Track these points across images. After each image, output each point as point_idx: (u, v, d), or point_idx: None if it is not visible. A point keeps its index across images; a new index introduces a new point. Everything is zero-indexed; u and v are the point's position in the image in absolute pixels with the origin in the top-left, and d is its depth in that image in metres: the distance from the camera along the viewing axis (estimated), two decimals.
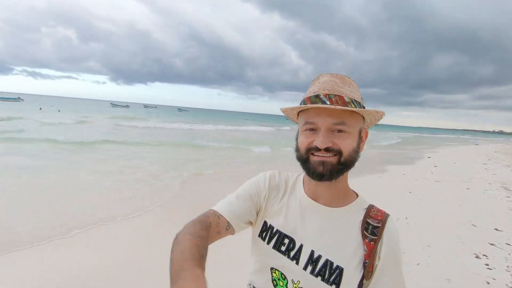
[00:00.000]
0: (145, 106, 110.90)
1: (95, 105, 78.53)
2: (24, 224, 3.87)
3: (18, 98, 55.17)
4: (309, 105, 0.73)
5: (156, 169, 7.78)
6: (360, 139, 0.78)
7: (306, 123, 0.75)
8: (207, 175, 7.48)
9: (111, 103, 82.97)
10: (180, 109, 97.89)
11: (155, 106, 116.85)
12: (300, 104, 0.78)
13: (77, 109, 43.36)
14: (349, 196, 0.82)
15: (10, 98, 51.68)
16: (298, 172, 0.89)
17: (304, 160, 0.76)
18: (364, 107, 0.77)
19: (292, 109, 0.78)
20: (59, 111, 35.97)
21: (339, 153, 0.72)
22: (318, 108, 0.72)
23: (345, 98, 0.72)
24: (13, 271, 2.85)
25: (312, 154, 0.74)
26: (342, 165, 0.73)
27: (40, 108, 37.03)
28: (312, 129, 0.74)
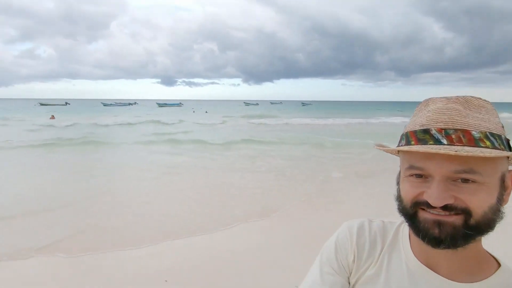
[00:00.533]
0: (271, 102, 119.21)
1: (232, 105, 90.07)
2: (179, 216, 4.83)
3: (180, 103, 71.42)
4: (414, 147, 0.51)
5: (286, 169, 8.17)
6: (503, 189, 0.52)
7: (412, 167, 0.53)
8: (338, 177, 7.29)
9: (244, 102, 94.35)
10: (303, 104, 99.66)
11: (280, 102, 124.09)
12: (402, 140, 0.57)
13: (219, 110, 51.16)
14: (486, 264, 0.57)
15: (175, 104, 67.93)
16: (399, 220, 0.66)
17: (410, 216, 0.54)
18: (508, 141, 0.52)
19: (389, 150, 0.62)
20: (206, 112, 43.62)
21: (465, 212, 0.49)
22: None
23: (473, 133, 0.49)
24: (171, 256, 3.62)
25: (422, 209, 0.52)
26: (472, 229, 0.50)
27: (194, 111, 45.84)
28: (420, 175, 0.52)
